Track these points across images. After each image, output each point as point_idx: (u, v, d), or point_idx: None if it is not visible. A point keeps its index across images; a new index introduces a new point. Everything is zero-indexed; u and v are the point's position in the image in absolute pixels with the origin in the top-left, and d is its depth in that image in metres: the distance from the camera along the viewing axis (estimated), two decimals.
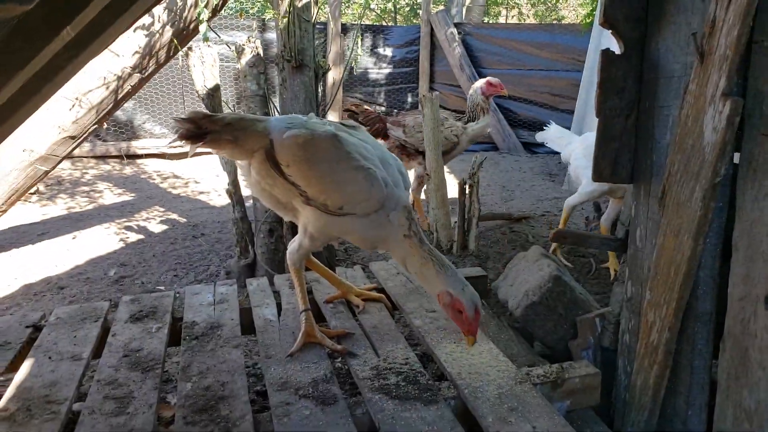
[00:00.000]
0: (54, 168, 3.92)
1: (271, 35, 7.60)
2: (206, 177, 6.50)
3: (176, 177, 6.60)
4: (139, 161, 7.19)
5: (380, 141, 4.09)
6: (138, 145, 7.27)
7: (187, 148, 1.71)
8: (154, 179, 6.48)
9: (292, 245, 1.92)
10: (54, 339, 1.91)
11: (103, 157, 7.14)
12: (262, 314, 2.09)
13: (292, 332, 1.92)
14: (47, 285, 3.40)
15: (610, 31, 1.76)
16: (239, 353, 1.81)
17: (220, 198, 5.60)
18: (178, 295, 2.39)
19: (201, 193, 5.90)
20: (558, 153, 7.47)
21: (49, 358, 1.78)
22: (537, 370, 1.71)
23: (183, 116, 1.66)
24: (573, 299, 2.26)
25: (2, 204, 3.67)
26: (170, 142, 1.86)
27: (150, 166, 7.05)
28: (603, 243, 2.16)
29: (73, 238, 4.31)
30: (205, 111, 2.05)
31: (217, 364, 1.74)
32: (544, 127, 3.85)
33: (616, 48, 1.78)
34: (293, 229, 2.90)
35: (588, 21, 6.32)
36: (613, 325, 2.04)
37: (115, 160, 7.14)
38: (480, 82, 3.89)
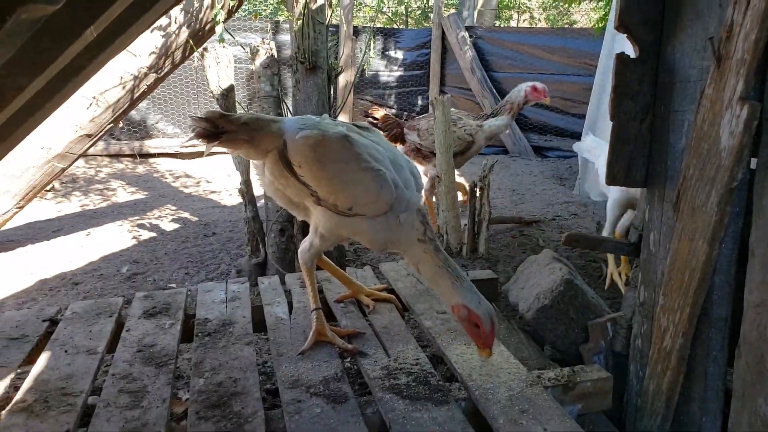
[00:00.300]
0: (70, 165, 3.98)
1: (285, 37, 7.65)
2: (217, 176, 6.55)
3: (188, 176, 6.66)
4: (151, 160, 7.27)
5: (398, 146, 4.09)
6: (151, 145, 7.35)
7: (203, 146, 1.73)
8: (167, 178, 6.55)
9: (304, 244, 1.93)
10: (70, 333, 1.94)
11: (117, 156, 7.23)
12: (274, 312, 2.11)
13: (303, 331, 1.94)
14: (62, 280, 3.45)
15: (625, 34, 1.75)
16: (251, 350, 1.83)
17: (231, 197, 5.64)
18: (190, 292, 2.42)
19: (212, 192, 5.95)
20: (567, 158, 7.36)
21: (66, 351, 1.81)
22: (548, 373, 1.71)
23: (200, 115, 1.69)
24: (585, 303, 2.25)
25: (20, 200, 3.74)
26: (186, 141, 1.88)
27: (162, 165, 7.12)
28: (616, 247, 2.15)
29: (87, 235, 4.37)
30: (222, 111, 2.08)
31: (229, 360, 1.76)
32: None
33: (629, 52, 1.78)
34: (304, 229, 2.92)
35: (600, 25, 6.28)
36: (625, 330, 2.02)
37: (129, 159, 7.23)
38: (526, 85, 3.77)
